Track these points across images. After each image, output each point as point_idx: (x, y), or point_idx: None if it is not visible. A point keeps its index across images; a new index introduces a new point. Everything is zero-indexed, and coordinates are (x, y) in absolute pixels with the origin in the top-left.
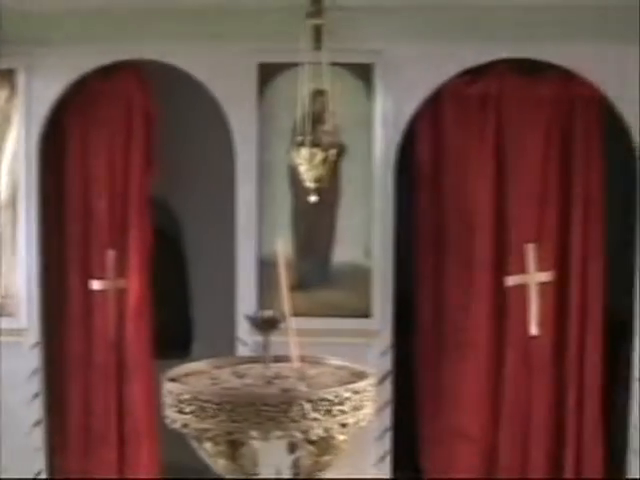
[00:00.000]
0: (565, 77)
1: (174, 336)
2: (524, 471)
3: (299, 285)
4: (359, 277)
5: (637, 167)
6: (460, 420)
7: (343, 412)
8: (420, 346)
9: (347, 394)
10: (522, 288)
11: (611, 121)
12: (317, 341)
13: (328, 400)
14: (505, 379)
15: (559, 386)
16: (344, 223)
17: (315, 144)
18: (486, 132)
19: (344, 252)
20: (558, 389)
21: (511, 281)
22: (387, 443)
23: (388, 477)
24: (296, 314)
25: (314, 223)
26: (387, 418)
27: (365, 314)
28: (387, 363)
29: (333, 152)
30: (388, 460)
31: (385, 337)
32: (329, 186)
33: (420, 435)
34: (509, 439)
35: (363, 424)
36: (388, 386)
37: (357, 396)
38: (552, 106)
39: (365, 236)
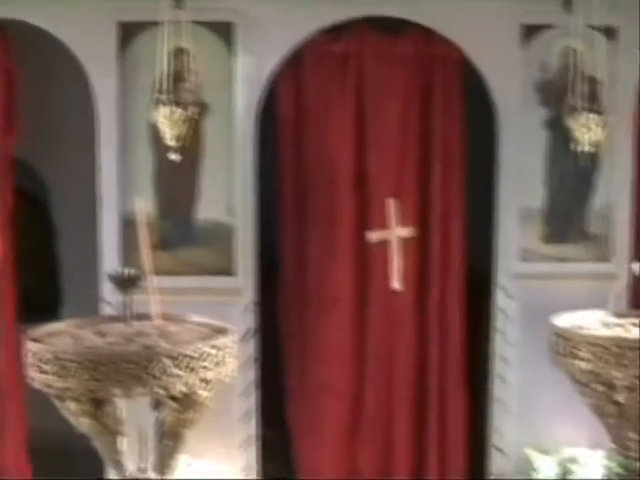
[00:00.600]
0: (426, 36)
1: (41, 301)
2: (389, 423)
3: (162, 244)
4: (222, 235)
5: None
6: (325, 374)
7: (204, 368)
8: (284, 302)
9: (208, 350)
10: (384, 243)
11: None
12: (181, 300)
13: (189, 356)
14: (369, 333)
15: (422, 339)
16: (207, 181)
17: (176, 102)
18: (347, 89)
19: (207, 210)
20: (421, 342)
21: (373, 236)
22: (253, 399)
23: (254, 432)
24: (159, 273)
25: (176, 182)
26: (252, 374)
27: (228, 272)
28: (251, 320)
29: (194, 110)
30: (254, 416)
31: (248, 294)
32: (191, 144)
33: (286, 390)
34: (374, 391)
35: (225, 380)
36: (252, 342)
37: (218, 352)
38: (412, 64)
39: (227, 194)
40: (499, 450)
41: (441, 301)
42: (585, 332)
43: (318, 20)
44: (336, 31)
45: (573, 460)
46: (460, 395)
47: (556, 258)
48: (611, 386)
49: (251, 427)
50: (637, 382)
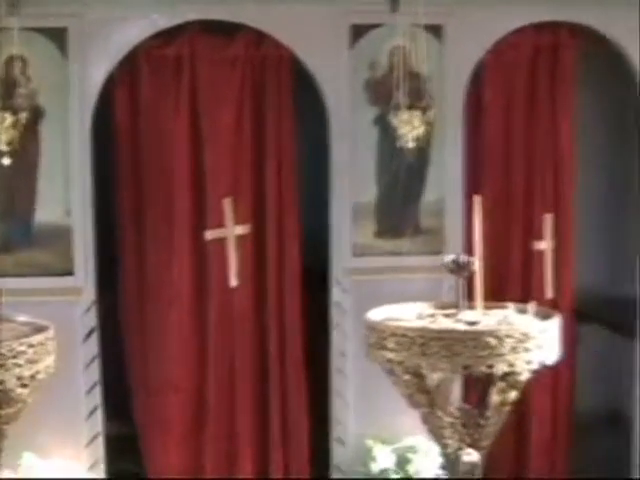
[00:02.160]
0: (257, 38)
1: None
2: (232, 420)
3: (3, 246)
4: (61, 236)
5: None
6: (167, 372)
7: (18, 365)
8: (125, 301)
9: (21, 347)
10: (221, 241)
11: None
12: (23, 300)
13: (1, 354)
14: (209, 330)
15: (262, 335)
16: (44, 184)
17: (8, 108)
18: (181, 92)
19: (46, 213)
20: (261, 338)
21: (210, 235)
22: (97, 397)
23: (100, 430)
24: (1, 274)
25: (14, 185)
26: (95, 373)
27: (69, 272)
28: (92, 319)
29: (24, 115)
30: (99, 414)
31: (89, 294)
32: (29, 148)
33: (131, 388)
34: (216, 387)
35: (41, 377)
36: (94, 341)
37: (32, 349)
38: (244, 66)
39: (65, 196)
40: (341, 442)
41: (279, 296)
42: (392, 324)
43: (152, 24)
44: (169, 35)
45: (411, 449)
46: (301, 389)
47: (389, 252)
48: (419, 375)
49: (97, 425)
50: (442, 370)
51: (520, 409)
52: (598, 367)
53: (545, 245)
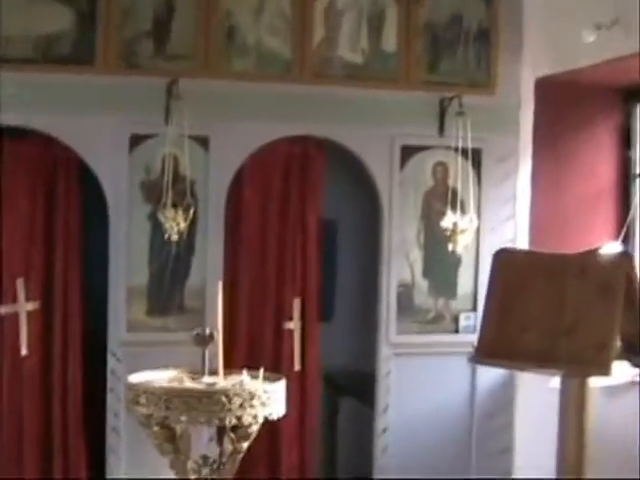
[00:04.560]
0: (47, 140)
1: None
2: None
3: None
4: None
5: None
6: None
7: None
8: None
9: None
10: (14, 315)
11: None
12: None
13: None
14: (1, 395)
15: (48, 399)
16: None
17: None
18: None
19: None
20: (47, 402)
21: (3, 310)
22: None
23: None
24: None
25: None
26: None
27: None
28: None
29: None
30: None
31: None
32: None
33: None
34: (3, 450)
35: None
36: None
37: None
38: (36, 165)
39: None
40: None
41: (63, 364)
42: (144, 383)
43: None
44: None
45: None
46: (81, 448)
47: (158, 328)
48: (166, 427)
49: None
50: (184, 423)
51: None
52: (351, 431)
53: (294, 325)
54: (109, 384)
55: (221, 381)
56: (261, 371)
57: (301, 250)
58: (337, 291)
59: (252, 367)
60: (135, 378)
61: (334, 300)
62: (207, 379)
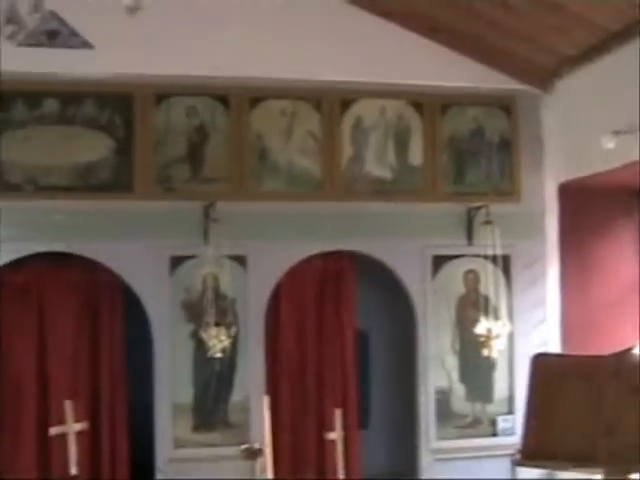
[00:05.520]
0: (91, 266)
1: None
2: None
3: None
4: None
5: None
6: None
7: None
8: None
9: None
10: (63, 436)
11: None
12: None
13: None
14: None
15: None
16: None
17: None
18: (30, 312)
19: None
20: None
21: (53, 431)
22: None
23: None
24: None
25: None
26: None
27: None
28: None
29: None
30: None
31: None
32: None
33: None
34: None
35: None
36: None
37: None
38: (81, 289)
39: None
40: None
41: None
42: None
43: (3, 254)
44: (17, 263)
45: None
46: None
47: (204, 444)
48: None
49: None
50: None
51: None
52: None
53: (335, 435)
54: None
55: None
56: None
57: (339, 361)
58: (372, 399)
59: (297, 478)
60: None
61: (370, 408)
62: None
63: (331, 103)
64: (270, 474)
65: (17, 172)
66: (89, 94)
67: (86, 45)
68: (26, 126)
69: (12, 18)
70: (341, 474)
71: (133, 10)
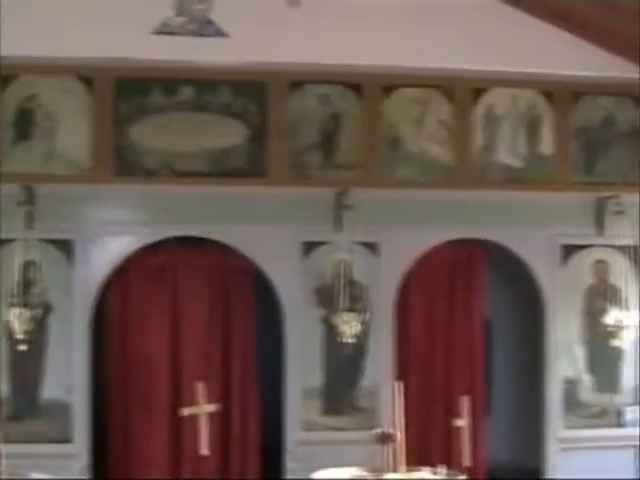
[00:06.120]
0: (223, 250)
1: None
2: None
3: (12, 417)
4: (62, 410)
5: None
6: None
7: None
8: (113, 465)
9: None
10: (194, 417)
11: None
12: (29, 463)
13: None
14: None
15: None
16: (50, 367)
17: (24, 304)
18: (163, 294)
19: (50, 390)
20: None
21: (185, 412)
22: None
23: None
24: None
25: (25, 367)
26: None
27: (67, 440)
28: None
29: (39, 311)
30: None
31: (83, 458)
32: (38, 337)
33: None
34: None
35: None
36: None
37: None
38: (213, 273)
39: (67, 377)
40: None
41: (241, 464)
42: None
43: (140, 238)
44: (153, 247)
45: None
46: None
47: (333, 428)
48: None
49: None
50: None
51: None
52: None
53: (462, 422)
54: None
55: (406, 478)
56: (442, 468)
57: (467, 349)
58: (498, 387)
59: (422, 464)
60: (318, 475)
61: (495, 396)
62: (388, 476)
63: (463, 92)
64: (403, 459)
65: (154, 157)
66: (224, 82)
67: (220, 34)
68: (163, 112)
69: (182, 10)
70: (467, 460)
71: (295, 2)
